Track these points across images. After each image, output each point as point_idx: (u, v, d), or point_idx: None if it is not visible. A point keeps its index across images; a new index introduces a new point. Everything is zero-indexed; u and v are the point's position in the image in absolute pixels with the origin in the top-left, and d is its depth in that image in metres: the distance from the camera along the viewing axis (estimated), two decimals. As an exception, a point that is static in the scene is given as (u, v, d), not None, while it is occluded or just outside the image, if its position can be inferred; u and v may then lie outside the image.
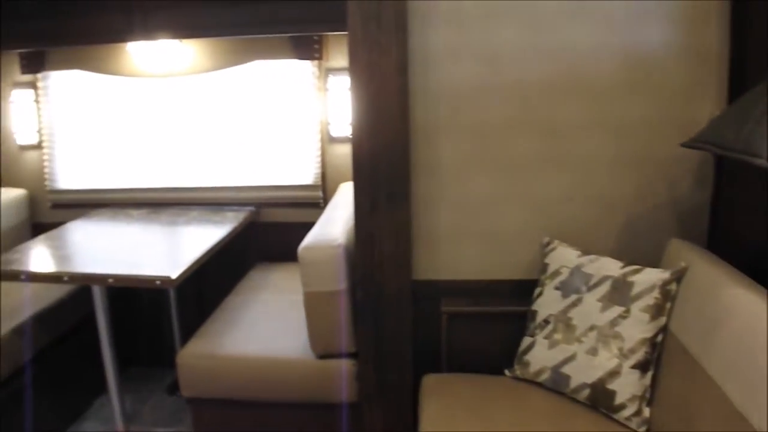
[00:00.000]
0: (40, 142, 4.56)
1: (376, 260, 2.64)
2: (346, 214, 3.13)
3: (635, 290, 2.31)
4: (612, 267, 2.41)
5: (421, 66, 2.59)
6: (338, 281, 2.78)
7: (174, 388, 3.90)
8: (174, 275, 2.96)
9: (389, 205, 2.59)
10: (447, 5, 2.56)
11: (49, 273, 3.27)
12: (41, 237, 3.81)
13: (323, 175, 4.14)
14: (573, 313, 2.42)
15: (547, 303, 2.51)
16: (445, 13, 2.57)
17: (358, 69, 2.52)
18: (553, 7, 2.53)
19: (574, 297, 2.43)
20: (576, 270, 2.47)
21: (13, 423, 3.43)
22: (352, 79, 2.55)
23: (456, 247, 2.73)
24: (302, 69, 4.06)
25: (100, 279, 3.08)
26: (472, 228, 2.71)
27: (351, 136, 2.58)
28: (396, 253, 2.64)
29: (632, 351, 2.27)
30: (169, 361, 3.91)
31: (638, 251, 2.60)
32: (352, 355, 2.90)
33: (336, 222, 3.08)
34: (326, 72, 4.03)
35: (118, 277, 3.03)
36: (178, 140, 4.33)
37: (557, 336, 2.44)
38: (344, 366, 2.91)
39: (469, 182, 2.67)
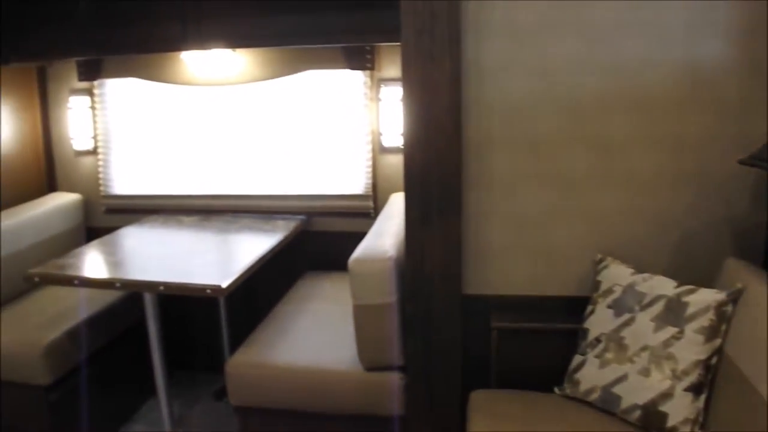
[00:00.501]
0: (96, 147, 4.64)
1: (427, 274, 2.63)
2: (397, 226, 3.12)
3: (690, 311, 2.27)
4: (666, 286, 2.37)
5: (474, 79, 2.58)
6: (388, 294, 2.77)
7: (221, 393, 3.93)
8: (224, 284, 2.98)
9: (440, 219, 2.58)
10: (501, 18, 2.55)
11: (101, 279, 3.32)
12: (95, 242, 3.87)
13: (374, 186, 4.14)
14: (625, 333, 2.38)
15: (599, 321, 2.48)
16: (498, 26, 2.56)
17: (411, 81, 2.53)
18: (609, 20, 2.50)
19: (626, 316, 2.40)
20: (629, 288, 2.44)
21: (65, 424, 3.50)
22: (404, 92, 2.55)
23: (507, 261, 2.71)
24: (354, 79, 4.06)
25: (151, 286, 3.11)
26: (523, 243, 2.69)
27: (403, 148, 2.58)
28: (446, 267, 2.63)
29: (686, 373, 2.23)
30: (217, 367, 3.94)
31: (693, 270, 2.55)
32: (401, 369, 2.89)
33: (387, 234, 3.07)
34: (378, 82, 4.03)
35: (168, 285, 3.05)
36: (231, 148, 4.36)
37: (609, 355, 2.41)
38: (392, 379, 2.89)
39: (521, 196, 2.65)
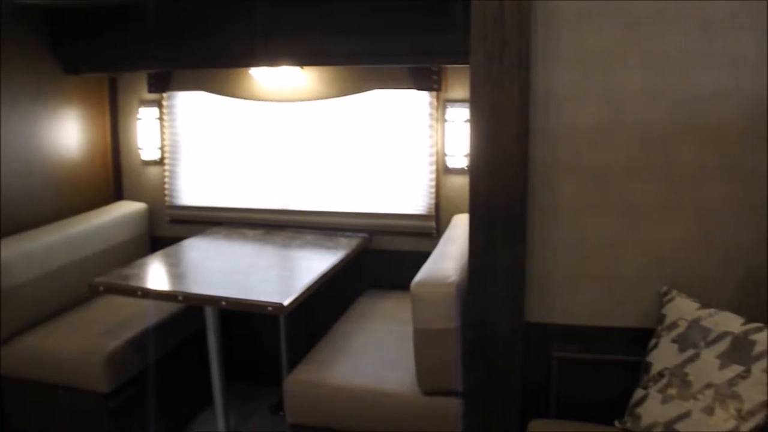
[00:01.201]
0: (162, 158, 4.73)
1: (489, 300, 2.62)
2: (460, 249, 3.11)
3: (757, 349, 2.22)
4: (732, 323, 2.32)
5: (542, 106, 2.56)
6: (450, 319, 2.76)
7: (277, 408, 3.97)
8: (286, 302, 3.00)
9: (504, 246, 2.57)
10: (570, 46, 2.53)
11: (164, 291, 3.38)
12: (159, 253, 3.94)
13: (437, 206, 4.13)
14: (689, 369, 2.34)
15: (663, 355, 2.43)
16: (567, 54, 2.54)
17: (480, 108, 2.52)
18: (680, 50, 2.46)
19: (691, 352, 2.35)
20: (694, 323, 2.39)
21: (123, 431, 3.55)
22: (472, 118, 2.55)
23: (570, 290, 2.67)
24: (420, 99, 4.07)
25: (213, 301, 3.15)
26: (587, 272, 2.65)
27: (469, 174, 2.57)
28: (509, 294, 2.61)
29: (751, 414, 2.18)
30: (275, 380, 4.00)
31: (761, 307, 2.48)
32: (460, 395, 2.87)
33: (449, 258, 3.06)
34: (444, 103, 4.03)
35: (230, 301, 3.09)
36: (296, 163, 4.40)
37: (672, 391, 2.36)
38: (451, 405, 2.87)
39: (586, 225, 2.61)
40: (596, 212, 2.60)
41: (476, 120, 2.54)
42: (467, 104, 3.78)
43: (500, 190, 2.54)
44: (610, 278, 2.65)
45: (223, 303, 3.10)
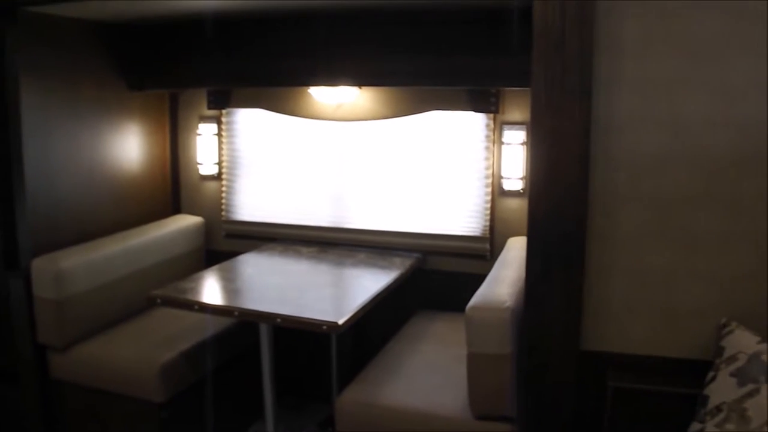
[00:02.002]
0: (220, 173, 4.80)
1: (545, 327, 2.59)
2: (515, 274, 3.10)
3: (821, 387, 2.18)
4: (795, 359, 2.28)
5: (603, 133, 2.54)
6: (504, 344, 2.75)
7: (326, 424, 3.98)
8: (340, 321, 3.02)
9: (562, 272, 2.55)
10: (633, 72, 2.51)
11: (221, 306, 3.41)
12: (215, 267, 3.99)
13: (491, 228, 4.11)
14: (749, 404, 2.29)
15: (721, 389, 2.39)
16: (629, 80, 2.52)
17: (540, 133, 2.51)
18: (745, 77, 2.42)
19: (750, 386, 2.30)
20: (754, 358, 2.34)
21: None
22: (532, 143, 2.55)
23: (626, 319, 2.64)
24: (477, 121, 4.07)
25: (268, 317, 3.18)
26: (645, 300, 2.61)
27: (528, 199, 2.57)
28: (565, 321, 2.59)
29: (813, 452, 2.14)
30: (324, 396, 4.02)
31: (825, 343, 2.44)
32: (512, 420, 2.86)
33: (504, 282, 3.04)
34: (501, 125, 4.02)
35: (285, 318, 3.12)
36: (351, 182, 4.43)
37: (730, 426, 2.31)
38: (503, 430, 2.86)
39: (645, 253, 2.58)
40: (655, 240, 2.57)
41: (536, 145, 2.53)
42: (524, 126, 3.83)
43: (558, 215, 2.52)
44: (668, 307, 2.61)
45: (278, 320, 3.12)
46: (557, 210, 2.52)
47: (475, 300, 2.86)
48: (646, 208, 2.56)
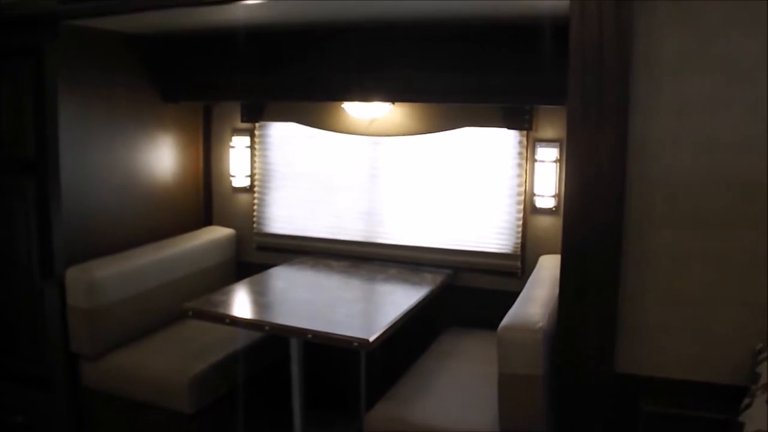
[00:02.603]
0: (252, 186, 4.83)
1: (577, 347, 2.57)
2: (548, 293, 3.08)
3: None
4: (834, 386, 2.24)
5: (639, 152, 2.52)
6: (536, 365, 2.72)
7: (355, 438, 3.97)
8: (371, 338, 3.02)
9: (596, 293, 2.53)
10: (670, 93, 2.49)
11: (251, 320, 3.44)
12: (246, 280, 4.00)
13: (523, 246, 4.09)
14: (785, 432, 2.26)
15: (756, 417, 2.34)
16: (667, 99, 2.50)
17: (575, 152, 2.50)
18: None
19: (787, 414, 2.27)
20: (792, 385, 2.31)
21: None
22: (567, 162, 2.53)
23: (661, 341, 2.61)
24: (510, 137, 4.06)
25: (299, 332, 3.20)
26: (680, 323, 2.58)
27: (563, 219, 2.55)
28: (599, 343, 2.56)
29: None
30: (351, 411, 4.02)
31: None
32: (542, 440, 2.83)
33: (537, 302, 3.02)
34: (534, 142, 4.00)
35: (316, 334, 3.12)
36: (384, 197, 4.44)
37: (765, 454, 2.29)
38: (533, 451, 2.84)
39: (681, 276, 2.55)
40: (691, 262, 2.54)
41: (571, 164, 2.52)
42: (558, 144, 3.80)
43: (593, 235, 2.50)
44: (703, 331, 2.57)
45: (309, 336, 3.13)
46: (592, 230, 2.51)
47: (507, 320, 2.85)
48: (682, 229, 2.53)
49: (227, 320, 3.39)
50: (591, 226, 2.51)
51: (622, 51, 2.44)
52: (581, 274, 2.53)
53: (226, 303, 3.63)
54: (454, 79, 3.75)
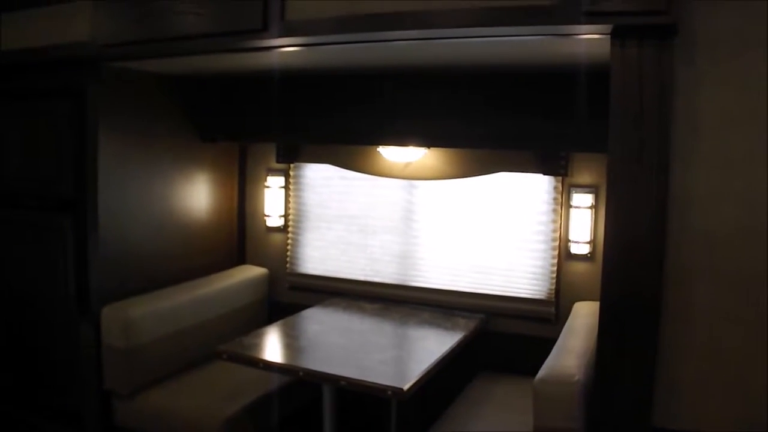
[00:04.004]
0: (286, 225, 4.85)
1: (615, 401, 2.55)
2: (584, 343, 3.05)
3: None
4: None
5: (679, 207, 2.51)
6: (572, 419, 2.68)
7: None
8: (405, 387, 2.99)
9: (635, 349, 2.51)
10: (711, 146, 2.49)
11: (285, 365, 3.42)
12: (280, 323, 4.00)
13: (557, 292, 4.05)
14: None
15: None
16: (708, 155, 2.50)
17: (616, 207, 2.50)
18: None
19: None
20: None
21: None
22: (608, 216, 2.53)
23: (700, 396, 2.58)
24: (545, 182, 4.05)
25: (332, 379, 3.17)
26: (719, 379, 2.55)
27: (602, 272, 2.54)
28: (636, 397, 2.53)
29: None
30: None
31: None
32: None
33: (573, 353, 2.99)
34: (569, 187, 3.99)
35: (350, 381, 3.11)
36: (417, 241, 4.43)
37: None
38: (569, 505, 2.80)
39: (720, 331, 2.52)
40: (731, 318, 2.52)
41: (611, 219, 2.51)
42: (593, 190, 3.79)
43: (633, 289, 2.49)
44: (742, 387, 2.54)
45: (343, 382, 3.12)
46: (632, 283, 2.49)
47: (543, 372, 2.82)
48: (723, 284, 2.51)
49: (261, 364, 3.39)
50: (630, 280, 2.50)
51: (664, 102, 2.44)
52: (620, 327, 2.52)
53: (260, 346, 3.63)
54: (489, 124, 3.75)
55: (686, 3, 2.43)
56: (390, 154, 4.23)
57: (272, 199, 4.82)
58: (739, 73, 2.45)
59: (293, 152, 4.69)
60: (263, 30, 3.06)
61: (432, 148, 4.19)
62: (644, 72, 2.42)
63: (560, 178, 4.01)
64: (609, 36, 2.49)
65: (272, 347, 3.73)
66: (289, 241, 4.85)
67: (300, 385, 3.92)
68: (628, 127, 2.47)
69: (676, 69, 2.45)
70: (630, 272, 2.49)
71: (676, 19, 2.36)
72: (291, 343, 3.80)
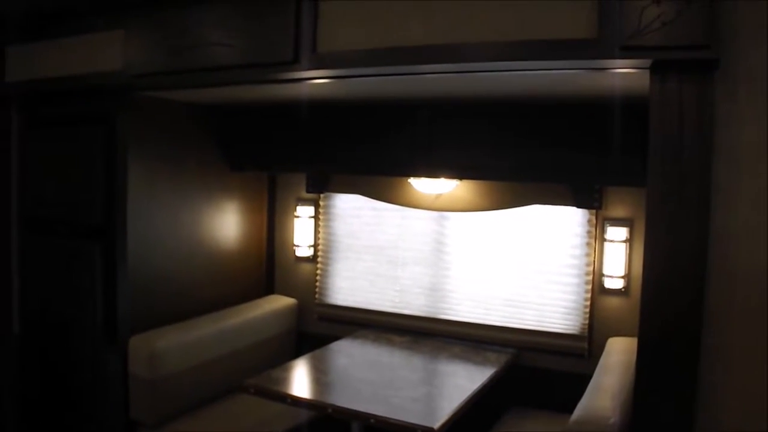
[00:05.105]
0: (315, 255, 4.82)
1: (653, 450, 2.48)
2: (619, 382, 2.97)
3: None
4: None
5: (719, 245, 2.45)
6: (608, 462, 2.63)
7: None
8: (436, 426, 2.93)
9: (673, 387, 2.43)
10: (750, 184, 2.44)
11: (314, 401, 3.37)
12: (308, 356, 3.95)
13: (590, 327, 3.97)
14: None
15: None
16: (747, 192, 2.44)
17: (655, 246, 2.44)
18: None
19: None
20: None
21: None
22: (646, 255, 2.47)
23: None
24: (579, 216, 3.99)
25: (362, 417, 3.11)
26: (758, 421, 2.48)
27: (640, 312, 2.47)
28: (676, 442, 2.47)
29: None
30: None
31: None
32: None
33: (608, 392, 2.90)
34: (603, 220, 3.92)
35: (379, 419, 3.05)
36: (447, 273, 4.38)
37: None
38: None
39: (759, 372, 2.45)
40: (773, 360, 2.45)
41: (650, 258, 2.45)
42: (628, 223, 3.72)
43: (672, 329, 2.42)
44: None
45: (372, 420, 3.06)
46: (671, 323, 2.42)
47: (578, 414, 2.74)
48: (763, 325, 2.44)
49: (289, 400, 3.34)
50: (670, 319, 2.43)
51: (704, 138, 2.38)
52: (658, 369, 2.46)
53: (287, 380, 3.59)
54: (522, 157, 3.70)
55: (727, 37, 2.38)
56: (421, 185, 4.19)
57: (302, 229, 4.79)
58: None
59: (323, 182, 4.67)
60: (294, 62, 3.05)
61: (465, 181, 4.14)
62: (684, 107, 2.37)
63: (594, 211, 3.94)
64: (647, 69, 2.44)
65: (300, 382, 3.68)
66: (318, 271, 4.81)
67: (328, 420, 3.87)
68: (667, 163, 2.40)
69: (716, 104, 2.39)
70: (669, 311, 2.42)
71: (717, 53, 2.31)
72: (319, 377, 3.75)
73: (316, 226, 4.80)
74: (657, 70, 2.41)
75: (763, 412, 2.46)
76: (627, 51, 2.39)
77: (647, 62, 2.41)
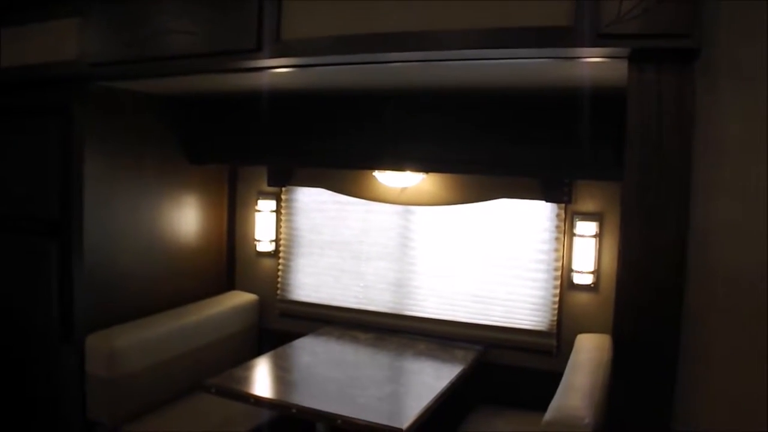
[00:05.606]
0: (277, 251, 4.72)
1: (630, 447, 2.42)
2: (590, 381, 2.90)
3: None
4: None
5: (699, 242, 2.39)
6: (583, 465, 2.56)
7: None
8: (404, 426, 2.85)
9: (651, 388, 2.37)
10: (732, 177, 2.39)
11: (277, 401, 3.26)
12: (270, 354, 3.85)
13: (559, 323, 3.91)
14: None
15: None
16: (729, 186, 2.39)
17: (631, 241, 2.37)
18: None
19: None
20: None
21: None
22: (622, 250, 2.41)
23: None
24: (547, 210, 3.92)
25: (328, 417, 3.02)
26: (742, 425, 2.43)
27: (615, 310, 2.43)
28: (652, 442, 2.41)
29: None
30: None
31: None
32: None
33: (580, 392, 2.82)
34: (572, 215, 3.86)
35: (346, 419, 2.95)
36: (413, 268, 4.30)
37: None
38: None
39: (745, 376, 2.40)
40: (752, 359, 2.39)
41: (626, 253, 2.38)
42: (597, 217, 3.68)
43: (650, 330, 2.36)
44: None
45: (339, 421, 2.97)
46: (649, 325, 2.36)
47: (551, 415, 2.65)
48: (745, 323, 2.40)
49: (252, 400, 3.23)
50: (646, 319, 2.36)
51: (684, 131, 2.32)
52: (636, 370, 2.40)
53: (250, 379, 3.48)
54: (490, 150, 3.63)
55: (709, 28, 2.32)
56: (386, 178, 4.10)
57: (263, 224, 4.68)
58: (763, 102, 2.33)
59: (285, 175, 4.55)
60: (257, 50, 2.94)
61: (431, 175, 4.06)
62: (664, 97, 2.30)
63: (563, 205, 3.88)
64: (625, 59, 2.37)
65: (263, 381, 3.58)
66: (280, 266, 4.71)
67: (292, 419, 3.77)
68: (645, 154, 2.33)
69: (697, 96, 2.33)
70: (645, 310, 2.36)
71: (699, 43, 2.24)
72: (283, 376, 3.65)
73: (278, 220, 4.70)
74: (635, 59, 2.35)
75: (744, 412, 2.41)
76: (605, 39, 2.32)
77: (626, 51, 2.34)
